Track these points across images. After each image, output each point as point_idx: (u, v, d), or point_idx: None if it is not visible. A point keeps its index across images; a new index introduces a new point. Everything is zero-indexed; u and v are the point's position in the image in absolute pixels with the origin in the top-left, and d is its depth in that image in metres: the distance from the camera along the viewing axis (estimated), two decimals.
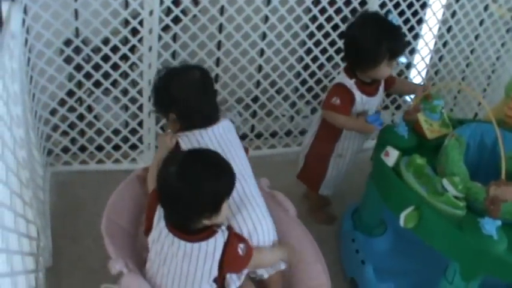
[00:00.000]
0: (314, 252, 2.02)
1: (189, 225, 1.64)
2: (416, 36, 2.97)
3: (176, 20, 2.44)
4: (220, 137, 1.89)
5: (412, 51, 3.04)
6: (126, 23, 2.39)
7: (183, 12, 2.44)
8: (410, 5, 2.83)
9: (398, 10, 2.80)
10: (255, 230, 1.83)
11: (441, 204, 1.91)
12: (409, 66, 3.10)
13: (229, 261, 1.68)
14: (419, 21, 2.92)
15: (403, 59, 3.10)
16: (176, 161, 1.61)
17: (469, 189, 1.95)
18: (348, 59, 2.33)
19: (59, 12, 2.26)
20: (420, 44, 3.02)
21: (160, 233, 1.67)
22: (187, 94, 1.86)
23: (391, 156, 2.08)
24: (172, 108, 1.88)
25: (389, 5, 2.76)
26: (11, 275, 1.50)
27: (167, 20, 2.42)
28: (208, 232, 1.65)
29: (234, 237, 1.70)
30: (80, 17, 2.32)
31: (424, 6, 2.90)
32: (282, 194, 2.12)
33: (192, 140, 1.85)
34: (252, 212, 1.84)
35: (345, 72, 2.31)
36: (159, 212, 1.68)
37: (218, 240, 1.65)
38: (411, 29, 2.91)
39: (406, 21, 2.85)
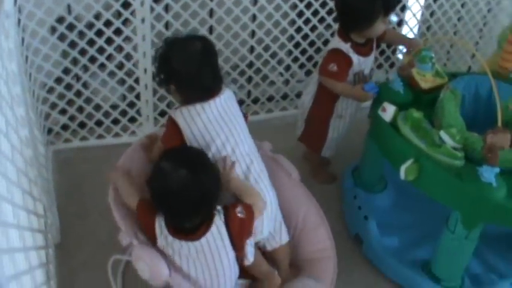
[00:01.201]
0: (318, 216, 2.07)
1: (191, 224, 1.68)
2: None
3: None
4: (222, 109, 1.87)
5: (403, 8, 3.04)
6: None
7: None
8: None
9: None
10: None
11: (440, 155, 1.95)
12: (400, 23, 3.10)
13: (237, 230, 1.71)
14: None
15: (394, 17, 3.10)
16: (167, 167, 1.64)
17: (466, 140, 1.98)
18: (342, 22, 2.33)
19: None
20: (410, 1, 3.02)
21: (166, 240, 1.70)
22: (186, 66, 1.82)
23: (388, 111, 2.11)
24: (172, 80, 1.86)
25: None
26: (24, 251, 1.54)
27: None
28: (208, 222, 1.69)
29: (230, 209, 1.73)
30: None
31: None
32: (284, 157, 2.15)
33: (192, 113, 1.83)
34: (255, 184, 1.87)
35: (339, 36, 2.32)
36: (159, 221, 1.70)
37: (218, 223, 1.69)
38: None
39: None
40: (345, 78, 2.32)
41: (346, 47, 2.29)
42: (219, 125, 1.85)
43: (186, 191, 1.60)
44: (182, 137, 1.85)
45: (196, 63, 1.83)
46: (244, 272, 1.89)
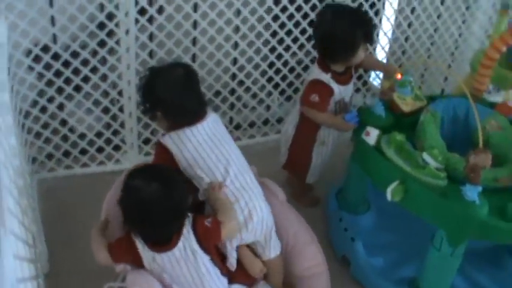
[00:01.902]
0: (308, 234, 2.11)
1: (166, 235, 1.77)
2: (377, 13, 3.05)
3: (151, 20, 2.47)
4: (211, 132, 1.94)
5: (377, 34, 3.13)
6: (101, 26, 2.40)
7: (158, 11, 2.47)
8: None
9: None
10: (250, 218, 1.90)
11: (424, 176, 2.01)
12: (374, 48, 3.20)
13: (203, 235, 1.79)
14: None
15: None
16: (138, 182, 1.73)
17: (448, 160, 2.05)
18: (323, 53, 2.38)
19: (36, 20, 2.26)
20: (385, 27, 3.11)
21: (151, 257, 1.78)
22: (170, 92, 1.89)
23: (372, 135, 2.17)
24: (158, 107, 1.91)
25: None
26: (23, 281, 1.53)
27: (143, 20, 2.44)
28: (179, 231, 1.78)
29: (198, 217, 1.82)
30: (56, 24, 2.33)
31: None
32: (270, 180, 2.19)
33: (182, 137, 1.89)
34: (249, 201, 1.91)
35: (319, 67, 2.37)
36: (139, 242, 1.78)
37: (187, 229, 1.78)
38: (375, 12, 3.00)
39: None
40: (327, 108, 2.36)
41: (327, 78, 2.34)
42: (209, 147, 1.91)
43: (159, 202, 1.69)
44: (174, 161, 1.90)
45: (180, 88, 1.90)
46: (242, 278, 1.96)
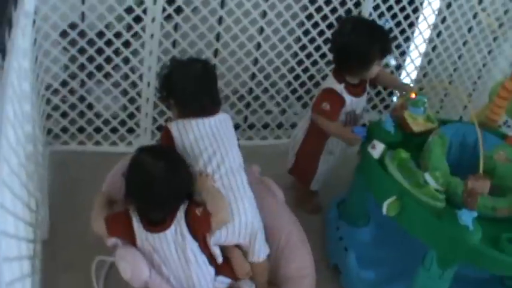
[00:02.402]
0: (300, 236, 2.15)
1: (163, 215, 1.84)
2: (407, 39, 3.08)
3: (178, 11, 2.54)
4: (216, 128, 2.00)
5: (403, 54, 3.15)
6: (130, 10, 2.47)
7: (185, 3, 2.53)
8: (402, 9, 2.95)
9: (391, 13, 2.92)
10: (232, 220, 1.93)
11: (422, 195, 2.02)
12: (399, 67, 3.22)
13: (192, 223, 1.85)
14: (411, 25, 3.04)
15: (392, 61, 3.22)
16: (146, 159, 1.81)
17: (449, 184, 2.07)
18: (338, 64, 2.41)
19: None
20: (411, 47, 3.13)
21: (143, 235, 1.85)
22: (186, 83, 1.99)
23: (377, 148, 2.19)
24: (172, 95, 2.02)
25: (383, 8, 2.88)
26: (17, 239, 1.59)
27: (170, 10, 2.51)
28: (172, 215, 1.85)
29: (191, 206, 1.87)
30: (86, 2, 2.41)
31: (416, 10, 3.01)
32: (272, 180, 2.24)
33: (187, 127, 1.97)
34: (234, 202, 1.94)
35: (334, 77, 2.41)
36: (135, 218, 1.85)
37: (180, 215, 1.84)
38: (402, 31, 3.02)
39: (398, 24, 2.97)
40: (337, 117, 2.39)
41: (340, 88, 2.38)
42: (209, 141, 1.97)
43: (163, 180, 1.77)
44: (174, 146, 1.98)
45: (195, 82, 1.99)
46: (228, 272, 2.01)
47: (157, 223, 1.84)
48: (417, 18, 3.03)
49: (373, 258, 2.41)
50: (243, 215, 1.95)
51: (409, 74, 3.20)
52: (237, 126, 2.94)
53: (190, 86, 1.99)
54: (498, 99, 2.51)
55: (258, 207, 2.06)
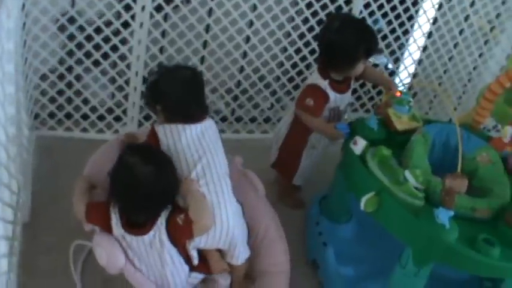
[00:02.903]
0: (278, 231, 2.16)
1: (144, 218, 1.84)
2: (397, 39, 3.10)
3: (168, 1, 2.55)
4: (201, 134, 2.00)
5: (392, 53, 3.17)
6: None
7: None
8: (393, 8, 2.97)
9: (382, 11, 2.94)
10: (213, 227, 1.92)
11: (401, 193, 2.03)
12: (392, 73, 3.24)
13: (173, 231, 1.84)
14: (402, 24, 3.05)
15: (389, 65, 3.23)
16: (134, 161, 1.79)
17: (429, 182, 2.07)
18: (324, 61, 2.42)
19: None
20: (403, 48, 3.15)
21: (120, 232, 1.85)
22: (174, 89, 1.99)
23: (359, 145, 2.20)
24: (159, 101, 2.01)
25: (374, 6, 2.89)
26: None
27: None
28: (153, 219, 1.84)
29: (175, 212, 1.86)
30: None
31: (407, 10, 3.02)
32: (254, 173, 2.25)
33: (173, 132, 1.97)
34: (217, 208, 1.93)
35: (318, 73, 2.42)
36: (114, 214, 1.85)
37: (161, 221, 1.84)
38: (393, 31, 3.04)
39: (389, 22, 2.99)
40: (320, 113, 2.40)
41: (324, 84, 2.39)
42: (195, 147, 1.97)
43: (151, 186, 1.76)
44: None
45: (183, 89, 2.00)
46: (202, 268, 2.02)
47: (136, 225, 1.84)
48: (409, 18, 3.03)
49: (353, 255, 2.42)
50: (225, 222, 1.95)
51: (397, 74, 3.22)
52: (224, 119, 2.98)
53: (179, 93, 1.99)
54: (484, 101, 2.53)
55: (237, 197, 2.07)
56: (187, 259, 1.95)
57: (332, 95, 2.39)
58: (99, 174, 1.96)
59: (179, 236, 1.87)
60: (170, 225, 1.84)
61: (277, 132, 2.63)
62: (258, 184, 2.22)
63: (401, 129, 2.35)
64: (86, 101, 2.71)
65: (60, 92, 2.66)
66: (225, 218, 1.94)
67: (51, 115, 2.71)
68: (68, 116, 2.74)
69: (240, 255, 2.04)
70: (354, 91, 3.02)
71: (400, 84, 3.21)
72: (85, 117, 2.75)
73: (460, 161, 1.99)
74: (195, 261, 1.97)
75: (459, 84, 3.32)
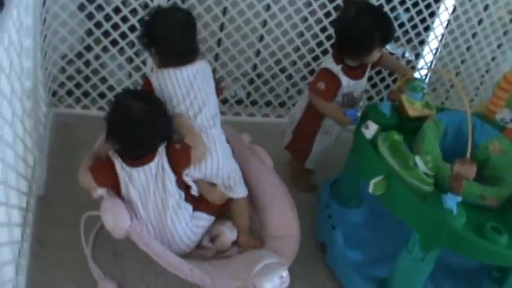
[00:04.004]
0: (288, 201, 2.19)
1: (146, 150, 1.92)
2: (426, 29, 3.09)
3: None
4: (193, 77, 2.07)
5: (422, 42, 3.17)
6: None
7: None
8: None
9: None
10: (204, 162, 2.06)
11: (410, 178, 2.03)
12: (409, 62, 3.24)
13: (173, 156, 1.94)
14: (419, 12, 3.04)
15: (406, 54, 3.23)
16: (127, 100, 1.90)
17: (439, 169, 2.07)
18: (339, 46, 2.43)
19: None
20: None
21: (126, 173, 1.92)
22: (166, 32, 2.05)
23: (371, 129, 2.21)
24: (153, 44, 2.08)
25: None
26: (4, 185, 1.65)
27: None
28: (154, 150, 1.93)
29: (170, 143, 1.96)
30: None
31: None
32: (261, 148, 2.29)
33: (165, 77, 2.05)
34: (210, 147, 2.06)
35: (332, 57, 2.43)
36: (117, 160, 1.92)
37: (161, 149, 1.94)
38: (410, 19, 3.03)
39: (407, 10, 2.98)
40: (331, 98, 2.41)
41: (336, 69, 2.40)
42: (187, 90, 2.06)
43: (143, 118, 1.86)
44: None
45: (175, 31, 2.06)
46: (205, 207, 2.08)
47: (139, 158, 1.92)
48: (426, 6, 3.02)
49: (361, 240, 2.44)
50: (215, 159, 2.07)
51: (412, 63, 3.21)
52: (239, 102, 3.01)
53: (171, 36, 2.05)
54: (498, 90, 2.51)
55: (245, 171, 2.19)
56: (187, 194, 2.02)
57: (345, 80, 2.40)
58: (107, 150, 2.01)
59: (179, 160, 1.96)
60: (170, 151, 1.94)
61: (291, 116, 2.65)
62: (265, 157, 2.27)
63: (414, 115, 2.35)
64: (103, 80, 2.76)
65: (78, 71, 2.71)
66: (214, 153, 2.07)
67: (69, 93, 2.76)
68: (86, 94, 2.79)
69: (238, 187, 2.13)
70: (370, 78, 3.02)
71: (416, 73, 3.20)
72: (102, 95, 2.80)
73: (470, 147, 1.99)
74: (194, 190, 2.05)
75: (477, 74, 3.30)
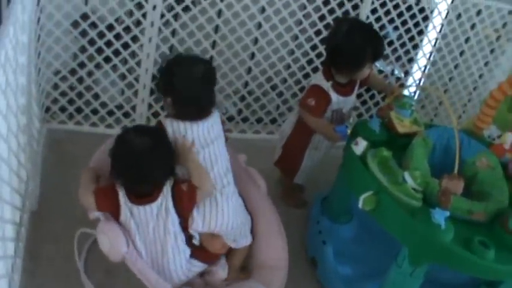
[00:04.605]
0: (277, 228, 2.20)
1: (149, 188, 1.90)
2: (415, 47, 3.15)
3: (179, 1, 2.63)
4: (207, 131, 2.03)
5: (410, 60, 3.22)
6: None
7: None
8: (400, 14, 3.02)
9: (389, 17, 2.99)
10: (209, 221, 2.00)
11: (399, 193, 2.06)
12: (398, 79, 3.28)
13: (178, 197, 1.91)
14: (408, 31, 3.10)
15: (395, 71, 3.28)
16: (131, 136, 1.86)
17: (427, 184, 2.10)
18: (329, 63, 2.46)
19: None
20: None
21: (128, 208, 1.90)
22: (185, 86, 1.97)
23: (360, 145, 2.23)
24: (169, 94, 2.00)
25: (380, 12, 2.94)
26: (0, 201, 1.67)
27: None
28: (159, 188, 1.90)
29: (177, 182, 1.93)
30: None
31: (413, 16, 3.07)
32: (256, 170, 2.30)
33: (181, 129, 1.99)
34: (220, 202, 2.01)
35: (322, 74, 2.46)
36: (122, 192, 1.89)
37: (167, 189, 1.90)
38: (399, 37, 3.09)
39: (395, 28, 3.03)
40: (321, 114, 2.45)
41: (327, 85, 2.43)
42: (201, 146, 2.01)
43: (148, 155, 1.83)
44: None
45: (195, 86, 1.98)
46: (203, 256, 2.05)
47: (143, 196, 1.90)
48: (415, 24, 3.08)
49: (351, 255, 2.46)
50: (226, 217, 2.01)
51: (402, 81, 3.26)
52: (230, 118, 3.04)
53: (190, 91, 1.98)
54: (485, 107, 2.56)
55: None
56: (188, 240, 1.99)
57: (334, 96, 2.44)
58: (105, 167, 1.99)
59: (185, 203, 1.93)
60: (175, 192, 1.90)
61: (281, 131, 2.68)
62: (259, 180, 2.27)
63: (403, 132, 2.38)
64: (96, 96, 2.78)
65: (72, 87, 2.73)
66: (226, 211, 2.01)
67: (62, 109, 2.78)
68: (78, 110, 2.81)
69: (241, 240, 2.10)
70: (359, 95, 3.07)
71: (405, 91, 3.24)
72: (95, 112, 2.82)
73: (457, 162, 2.03)
74: (196, 240, 2.01)
75: (464, 92, 3.35)
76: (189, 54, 2.13)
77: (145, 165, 1.84)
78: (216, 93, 2.10)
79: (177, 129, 1.99)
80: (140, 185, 1.90)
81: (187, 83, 1.97)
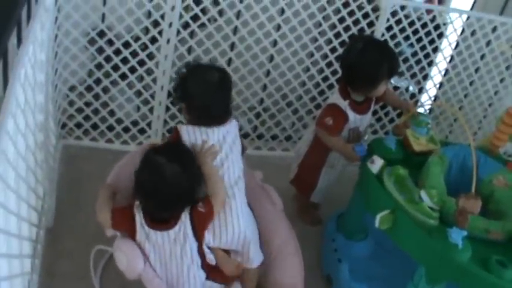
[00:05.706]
0: (293, 246, 2.18)
1: (169, 215, 1.87)
2: (418, 62, 3.15)
3: (195, 18, 2.64)
4: (223, 138, 2.01)
5: (425, 77, 3.23)
6: (149, 15, 2.59)
7: (203, 11, 2.64)
8: (415, 31, 3.02)
9: (404, 35, 2.99)
10: (219, 234, 1.97)
11: (415, 212, 2.06)
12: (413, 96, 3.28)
13: (197, 220, 1.88)
14: (423, 48, 3.10)
15: (410, 87, 3.28)
16: (160, 160, 1.81)
17: (444, 203, 2.09)
18: (345, 81, 2.46)
19: None
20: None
21: (145, 231, 1.88)
22: (200, 92, 1.99)
23: (376, 163, 2.24)
24: (185, 101, 2.02)
25: (396, 29, 2.95)
26: (18, 217, 1.68)
27: (187, 17, 2.62)
28: (178, 214, 1.87)
29: (195, 205, 1.90)
30: (107, 4, 2.53)
31: (428, 34, 3.07)
32: (272, 188, 2.29)
33: (196, 134, 1.98)
34: (229, 212, 1.98)
35: (339, 93, 2.46)
36: (139, 214, 1.87)
37: (185, 215, 1.87)
38: (414, 54, 3.08)
39: (411, 45, 3.04)
40: (339, 133, 2.44)
41: (344, 104, 2.43)
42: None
43: (176, 184, 1.80)
44: None
45: (210, 92, 1.99)
46: (217, 277, 2.03)
47: (161, 222, 1.88)
48: (430, 42, 3.08)
49: (367, 273, 2.44)
50: (237, 226, 1.98)
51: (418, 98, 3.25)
52: (246, 135, 3.05)
53: (205, 97, 1.99)
54: (502, 125, 2.54)
55: (256, 213, 2.11)
56: (204, 262, 1.97)
57: (351, 115, 2.44)
58: (122, 183, 2.01)
59: (201, 224, 1.90)
60: (194, 216, 1.88)
61: (297, 150, 2.68)
62: (276, 198, 2.25)
63: (419, 150, 2.38)
64: (112, 113, 2.80)
65: (88, 103, 2.75)
66: (236, 222, 1.99)
67: (78, 125, 2.80)
68: (94, 126, 2.83)
69: (254, 257, 2.06)
70: (375, 112, 3.07)
71: (420, 108, 3.24)
72: (110, 128, 2.84)
73: (475, 181, 2.01)
74: (211, 260, 1.98)
75: (479, 108, 3.34)
76: (206, 63, 2.14)
77: (174, 196, 1.82)
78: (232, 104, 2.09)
79: (192, 134, 1.99)
80: (161, 211, 1.88)
81: (201, 89, 1.98)
